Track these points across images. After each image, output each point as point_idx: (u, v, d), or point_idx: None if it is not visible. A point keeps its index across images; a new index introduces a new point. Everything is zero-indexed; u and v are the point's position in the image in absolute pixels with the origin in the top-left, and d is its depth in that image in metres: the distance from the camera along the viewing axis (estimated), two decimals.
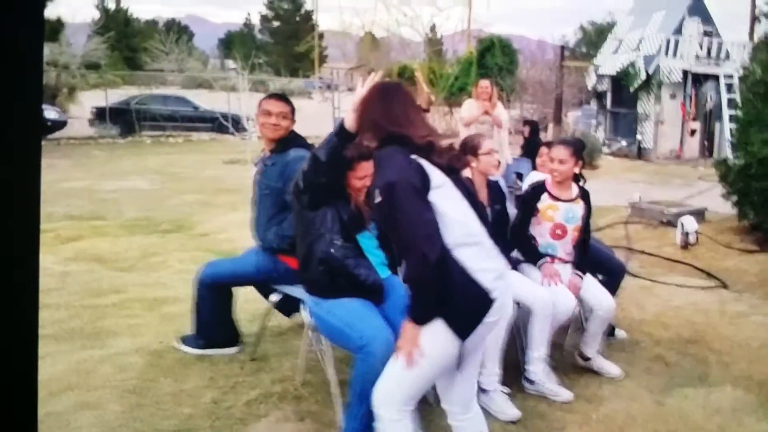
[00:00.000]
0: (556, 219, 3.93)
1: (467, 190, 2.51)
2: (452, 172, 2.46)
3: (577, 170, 3.97)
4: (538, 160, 4.92)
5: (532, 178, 4.56)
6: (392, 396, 2.43)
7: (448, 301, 2.27)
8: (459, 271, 2.27)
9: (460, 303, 2.29)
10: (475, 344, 2.38)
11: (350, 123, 2.73)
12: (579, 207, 3.97)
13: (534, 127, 6.47)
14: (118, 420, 3.27)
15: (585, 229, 4.01)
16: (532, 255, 3.94)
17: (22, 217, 0.80)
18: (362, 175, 3.12)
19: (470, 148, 3.76)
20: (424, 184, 2.30)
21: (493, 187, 3.87)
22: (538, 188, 4.01)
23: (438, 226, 2.28)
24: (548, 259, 3.89)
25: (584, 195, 4.01)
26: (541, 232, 3.97)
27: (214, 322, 4.03)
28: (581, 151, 4.03)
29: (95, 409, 3.37)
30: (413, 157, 2.35)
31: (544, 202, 3.95)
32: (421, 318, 2.31)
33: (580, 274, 3.89)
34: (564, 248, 3.96)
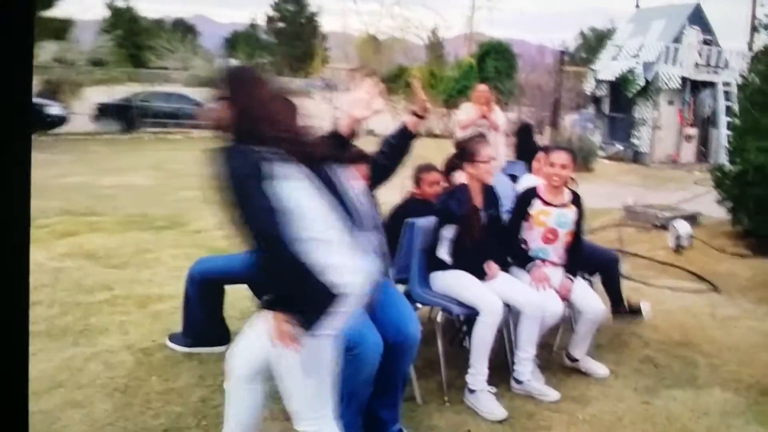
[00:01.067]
0: (548, 224, 3.89)
1: (331, 181, 2.37)
2: (318, 161, 2.34)
3: (572, 176, 3.96)
4: (534, 164, 4.86)
5: (526, 181, 4.52)
6: (304, 409, 2.36)
7: (287, 293, 2.20)
8: (298, 265, 2.17)
9: (300, 295, 2.20)
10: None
11: (343, 128, 2.69)
12: (571, 212, 3.92)
13: (526, 129, 6.39)
14: (106, 419, 3.21)
15: (577, 233, 3.96)
16: (522, 258, 3.90)
17: (12, 212, 0.76)
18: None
19: (467, 154, 3.70)
20: (265, 174, 2.18)
21: (487, 191, 3.80)
22: (530, 193, 3.97)
23: (277, 216, 2.17)
24: (538, 262, 3.84)
25: (576, 200, 3.97)
26: (532, 236, 3.92)
27: (203, 319, 3.97)
28: (575, 158, 4.04)
29: (84, 407, 3.31)
30: (257, 148, 2.22)
31: (536, 207, 3.91)
32: (271, 304, 2.24)
33: (571, 277, 3.84)
34: (555, 252, 3.91)
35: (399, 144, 3.23)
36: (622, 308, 4.50)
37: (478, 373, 3.46)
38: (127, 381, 3.61)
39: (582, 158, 12.03)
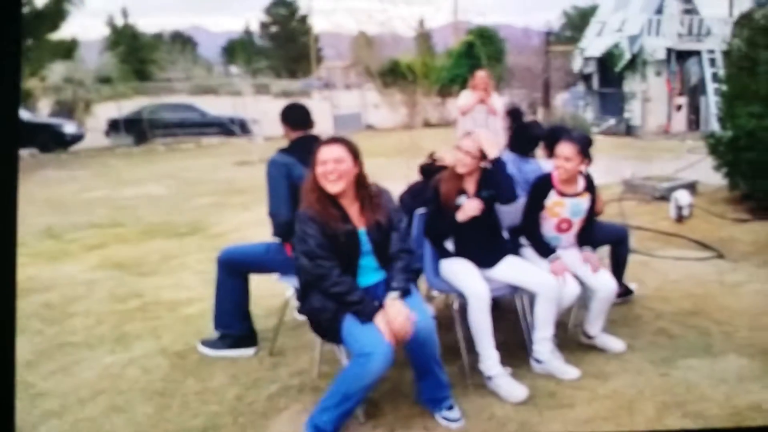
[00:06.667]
0: (561, 215, 3.81)
1: None
2: None
3: (582, 168, 3.79)
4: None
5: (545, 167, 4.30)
6: None
7: None
8: None
9: None
10: None
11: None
12: (585, 200, 3.84)
13: (516, 115, 6.32)
14: (148, 421, 3.23)
15: (589, 217, 3.90)
16: (544, 250, 3.79)
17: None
18: (323, 159, 2.97)
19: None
20: None
21: (483, 174, 3.66)
22: (544, 184, 3.83)
23: None
24: (559, 255, 3.74)
25: (590, 186, 3.87)
26: (545, 226, 3.85)
27: (231, 309, 3.97)
28: (588, 147, 3.81)
29: (126, 412, 3.33)
30: None
31: (551, 198, 3.80)
32: None
33: (590, 250, 3.82)
34: (568, 239, 3.87)
35: None
36: (620, 289, 4.38)
37: (487, 358, 3.42)
38: (165, 384, 3.62)
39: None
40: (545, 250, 3.79)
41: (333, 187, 2.97)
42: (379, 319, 2.87)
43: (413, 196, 4.05)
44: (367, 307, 2.91)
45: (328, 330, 3.02)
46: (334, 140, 3.08)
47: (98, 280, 5.64)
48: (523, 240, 3.95)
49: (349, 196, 3.04)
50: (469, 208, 3.54)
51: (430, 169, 4.21)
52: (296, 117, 3.97)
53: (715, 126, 8.70)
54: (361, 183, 3.05)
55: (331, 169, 2.96)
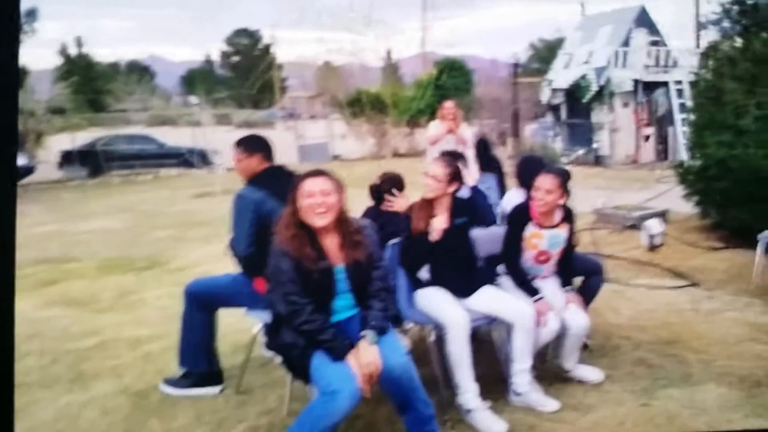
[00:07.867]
0: (540, 247, 3.84)
1: None
2: None
3: (561, 202, 3.81)
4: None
5: (512, 198, 4.39)
6: None
7: None
8: None
9: None
10: None
11: None
12: (563, 231, 3.87)
13: (484, 143, 6.41)
14: None
15: (568, 248, 3.93)
16: (527, 289, 3.76)
17: None
18: (310, 192, 2.94)
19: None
20: None
21: (456, 202, 3.73)
22: (522, 216, 3.85)
23: None
24: (542, 296, 3.73)
25: (568, 216, 3.90)
26: (523, 258, 3.87)
27: (197, 345, 3.90)
28: (567, 181, 3.83)
29: None
30: None
31: (529, 230, 3.82)
32: None
33: (570, 289, 3.86)
34: (547, 269, 3.90)
35: None
36: None
37: (466, 391, 3.41)
38: (126, 425, 3.54)
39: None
40: (529, 289, 3.77)
41: (321, 221, 2.93)
42: (351, 357, 2.85)
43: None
44: (338, 345, 2.88)
45: (298, 366, 2.98)
46: (319, 173, 3.04)
47: (52, 317, 5.50)
48: (500, 269, 3.97)
49: (330, 231, 3.00)
50: (437, 223, 3.61)
51: (379, 190, 4.23)
52: (266, 147, 3.94)
53: (683, 155, 8.91)
54: (342, 217, 3.01)
55: (320, 201, 2.92)
